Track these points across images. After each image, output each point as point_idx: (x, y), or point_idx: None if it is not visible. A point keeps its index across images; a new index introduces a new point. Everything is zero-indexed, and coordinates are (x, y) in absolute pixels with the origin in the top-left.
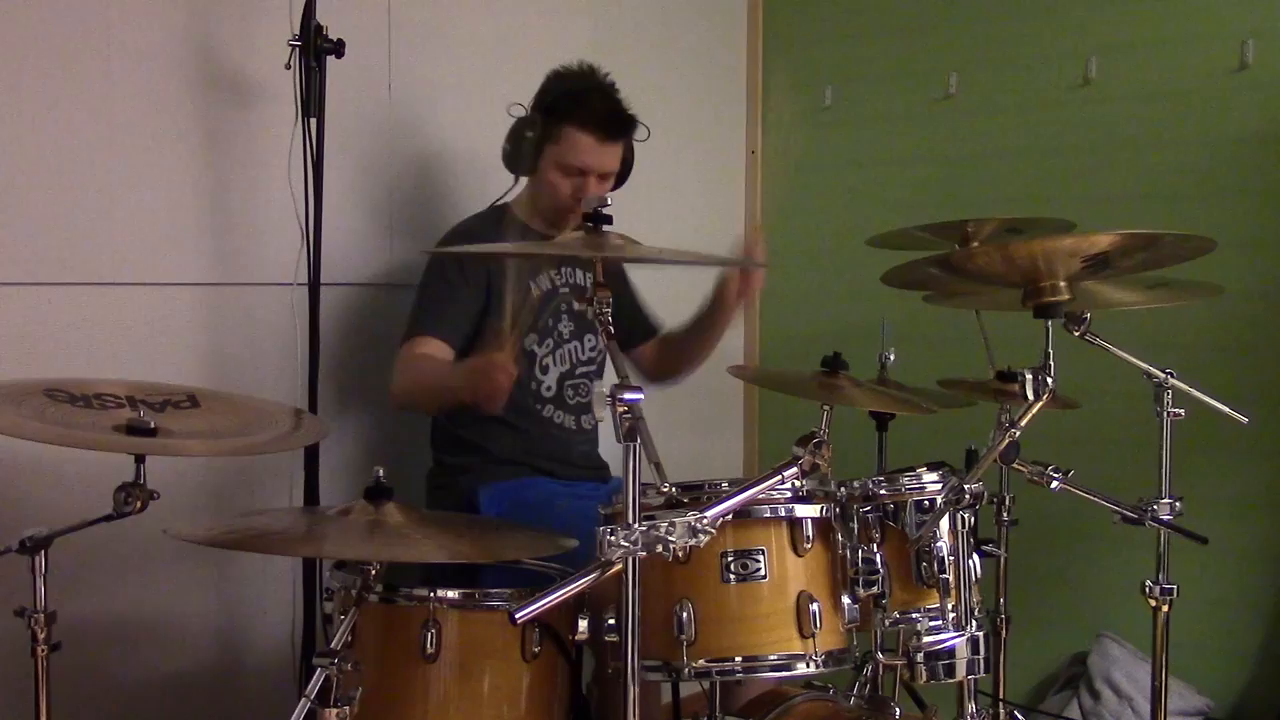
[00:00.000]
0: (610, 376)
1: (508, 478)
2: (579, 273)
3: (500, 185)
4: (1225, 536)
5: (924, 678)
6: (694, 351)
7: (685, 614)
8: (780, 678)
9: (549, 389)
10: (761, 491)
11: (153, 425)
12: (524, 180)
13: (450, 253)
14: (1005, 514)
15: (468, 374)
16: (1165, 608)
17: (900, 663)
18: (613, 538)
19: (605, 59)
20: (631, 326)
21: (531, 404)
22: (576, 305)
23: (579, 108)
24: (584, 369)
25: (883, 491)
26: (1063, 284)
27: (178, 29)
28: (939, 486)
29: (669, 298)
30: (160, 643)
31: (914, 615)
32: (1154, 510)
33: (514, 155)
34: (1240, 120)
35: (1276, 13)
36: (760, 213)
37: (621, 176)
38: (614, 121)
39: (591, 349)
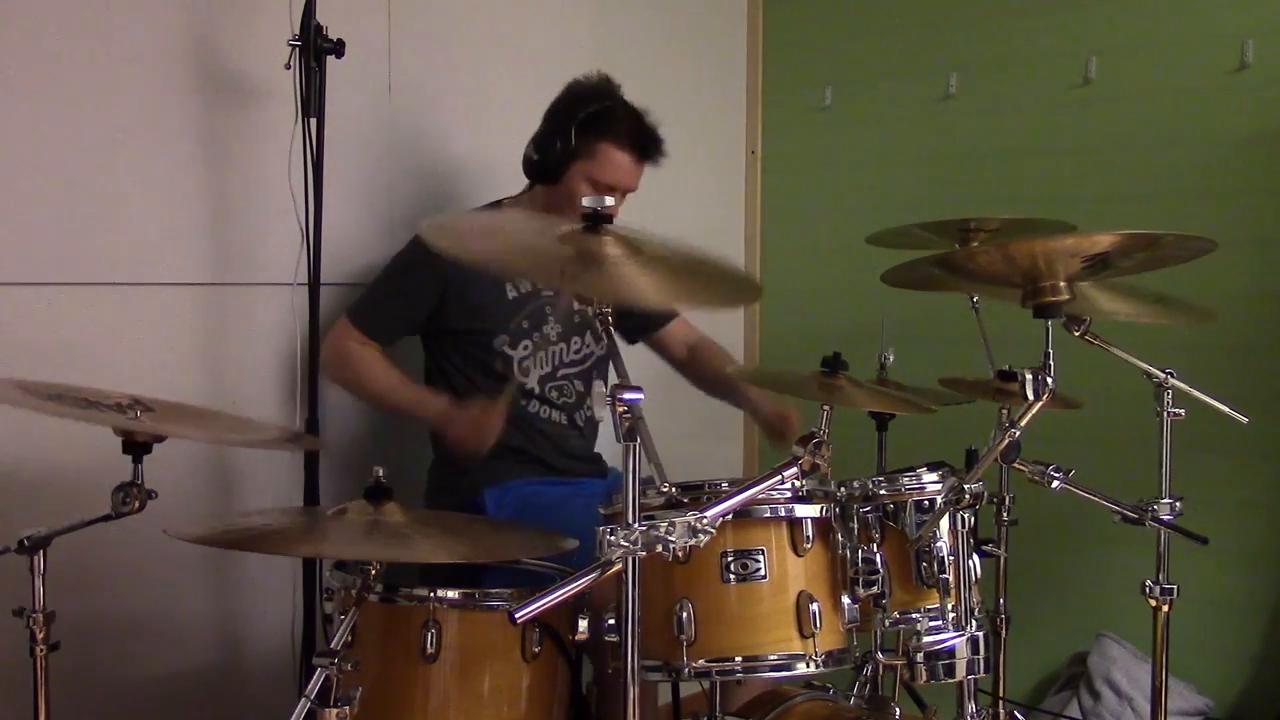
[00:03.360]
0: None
1: (511, 476)
2: None
3: (500, 184)
4: (1225, 536)
5: (924, 678)
6: (720, 396)
7: (685, 614)
8: (780, 678)
9: (532, 389)
10: (761, 491)
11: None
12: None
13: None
14: (1005, 514)
15: (441, 417)
16: (1165, 608)
17: (900, 663)
18: (613, 538)
19: (605, 59)
20: (645, 316)
21: (517, 400)
22: (577, 305)
23: (619, 126)
24: (566, 370)
25: (883, 491)
26: (1063, 284)
27: (178, 29)
28: (939, 486)
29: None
30: (160, 643)
31: (914, 615)
32: (1154, 510)
33: (540, 165)
34: (1240, 120)
35: (1276, 13)
36: (760, 212)
37: None
38: (652, 143)
39: (577, 351)
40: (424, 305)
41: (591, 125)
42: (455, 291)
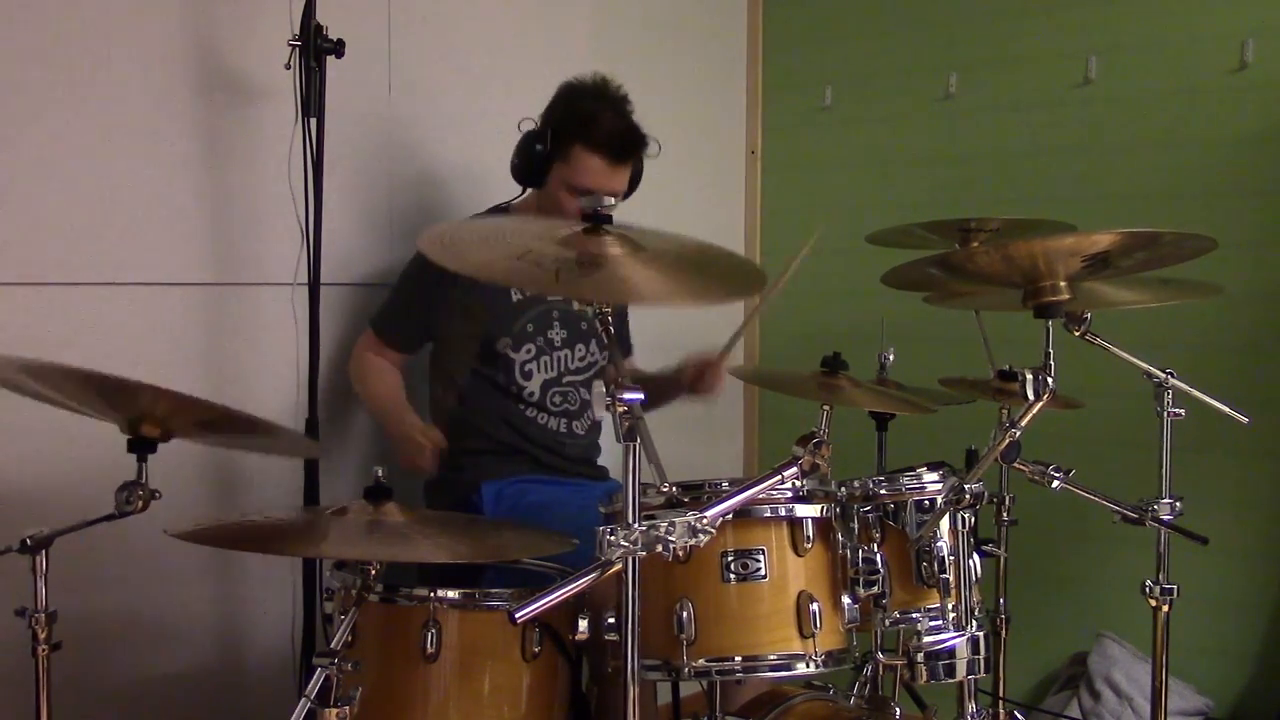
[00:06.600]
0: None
1: (509, 473)
2: None
3: (499, 185)
4: (1225, 536)
5: (924, 678)
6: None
7: (685, 614)
8: (780, 678)
9: (532, 394)
10: (761, 491)
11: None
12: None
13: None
14: (1005, 514)
15: (399, 435)
16: (1165, 608)
17: (900, 663)
18: (613, 538)
19: (605, 59)
20: (622, 339)
21: (515, 405)
22: (576, 307)
23: (590, 129)
24: (571, 378)
25: (883, 491)
26: (1063, 284)
27: (178, 29)
28: (939, 486)
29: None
30: (160, 643)
31: (914, 615)
32: (1154, 510)
33: (523, 168)
34: (1240, 120)
35: (1276, 13)
36: (760, 212)
37: (629, 190)
38: (625, 144)
39: (581, 358)
40: (440, 308)
41: (566, 128)
42: (462, 293)
